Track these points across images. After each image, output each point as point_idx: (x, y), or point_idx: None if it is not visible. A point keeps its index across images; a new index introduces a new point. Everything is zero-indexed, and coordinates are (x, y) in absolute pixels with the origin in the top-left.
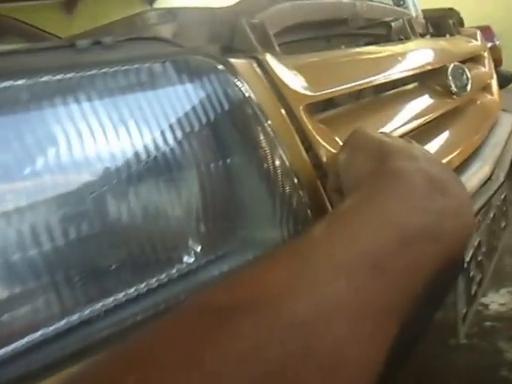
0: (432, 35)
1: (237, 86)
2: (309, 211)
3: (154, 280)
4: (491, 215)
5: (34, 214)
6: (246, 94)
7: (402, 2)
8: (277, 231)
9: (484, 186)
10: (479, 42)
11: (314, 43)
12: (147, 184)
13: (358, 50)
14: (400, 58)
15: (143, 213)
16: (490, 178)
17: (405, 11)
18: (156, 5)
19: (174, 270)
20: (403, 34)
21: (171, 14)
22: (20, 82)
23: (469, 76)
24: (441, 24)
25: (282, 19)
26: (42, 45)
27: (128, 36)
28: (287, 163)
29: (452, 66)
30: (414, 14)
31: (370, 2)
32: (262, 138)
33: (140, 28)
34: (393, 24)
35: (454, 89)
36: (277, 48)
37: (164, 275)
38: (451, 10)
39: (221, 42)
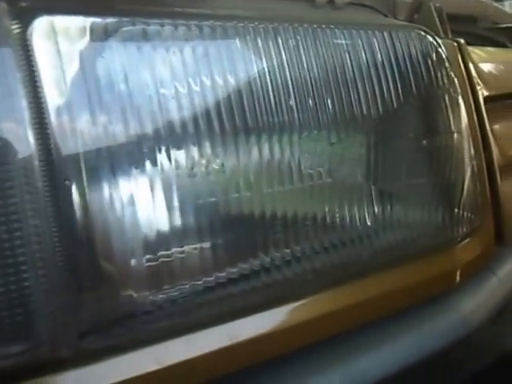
0: None
1: (447, 65)
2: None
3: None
4: None
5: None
6: (452, 74)
7: None
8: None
9: None
10: None
11: None
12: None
13: None
14: None
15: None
16: None
17: None
18: None
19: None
20: None
21: None
22: None
23: None
24: None
25: None
26: None
27: None
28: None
29: None
30: None
31: (499, 6)
32: (460, 119)
33: None
34: None
35: None
36: (450, 35)
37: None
38: None
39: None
